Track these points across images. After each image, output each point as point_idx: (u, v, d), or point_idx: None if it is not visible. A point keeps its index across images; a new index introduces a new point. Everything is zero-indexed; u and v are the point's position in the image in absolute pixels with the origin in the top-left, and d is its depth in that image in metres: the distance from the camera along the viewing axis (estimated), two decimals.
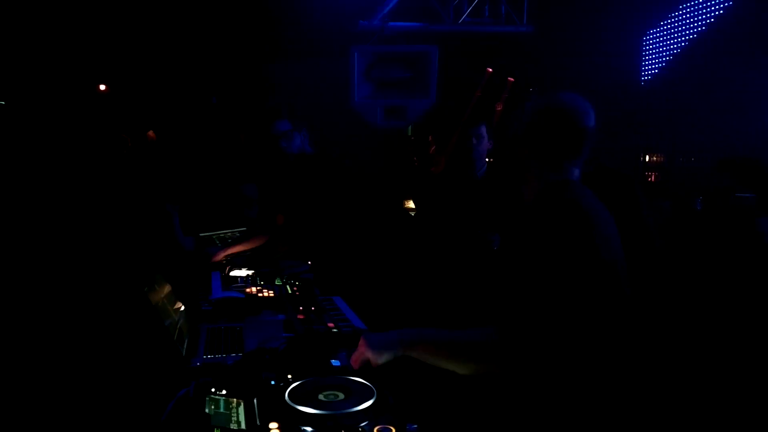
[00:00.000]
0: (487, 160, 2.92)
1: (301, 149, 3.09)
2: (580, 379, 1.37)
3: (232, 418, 1.35)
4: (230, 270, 2.84)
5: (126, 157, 5.93)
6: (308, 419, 1.32)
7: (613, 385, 1.39)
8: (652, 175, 5.97)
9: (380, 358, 1.46)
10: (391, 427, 1.30)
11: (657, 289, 2.11)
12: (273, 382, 1.51)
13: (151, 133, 5.96)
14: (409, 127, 5.93)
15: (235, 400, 1.42)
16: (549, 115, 1.55)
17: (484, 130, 2.83)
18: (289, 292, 2.52)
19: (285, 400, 1.38)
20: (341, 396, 1.41)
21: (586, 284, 1.34)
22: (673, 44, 5.79)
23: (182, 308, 2.04)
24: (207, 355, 1.77)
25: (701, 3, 5.37)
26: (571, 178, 1.54)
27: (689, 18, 5.55)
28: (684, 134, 5.56)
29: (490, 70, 4.66)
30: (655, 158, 5.96)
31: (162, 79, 6.24)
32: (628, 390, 1.40)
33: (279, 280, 2.67)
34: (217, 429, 1.29)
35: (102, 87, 6.68)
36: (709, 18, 5.29)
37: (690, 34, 5.54)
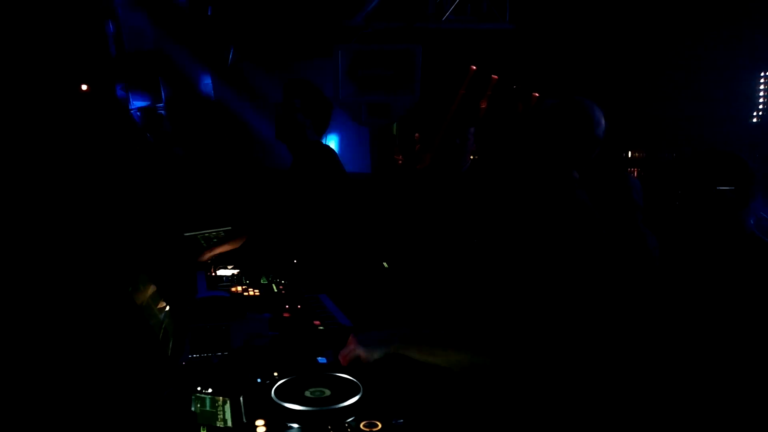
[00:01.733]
0: (471, 157, 2.96)
1: (299, 125, 3.02)
2: (582, 377, 1.39)
3: (219, 416, 1.35)
4: (216, 270, 2.84)
5: (111, 157, 5.88)
6: (295, 416, 1.33)
7: (611, 379, 1.42)
8: (634, 170, 6.04)
9: (372, 355, 1.47)
10: (377, 422, 1.31)
11: (650, 285, 2.14)
12: (259, 380, 1.52)
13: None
14: (394, 125, 5.94)
15: (221, 398, 1.42)
16: (569, 120, 1.58)
17: (472, 131, 2.91)
18: (275, 290, 2.52)
19: (271, 397, 1.39)
20: (327, 392, 1.42)
21: (599, 283, 1.41)
22: None
23: (167, 308, 2.03)
24: (193, 354, 1.77)
25: None
26: (575, 180, 1.61)
27: None
28: (665, 129, 5.63)
29: (474, 67, 4.68)
30: (637, 154, 6.03)
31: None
32: (625, 386, 1.44)
33: (264, 279, 2.67)
34: (204, 427, 1.29)
35: (84, 87, 6.60)
36: None
37: None
